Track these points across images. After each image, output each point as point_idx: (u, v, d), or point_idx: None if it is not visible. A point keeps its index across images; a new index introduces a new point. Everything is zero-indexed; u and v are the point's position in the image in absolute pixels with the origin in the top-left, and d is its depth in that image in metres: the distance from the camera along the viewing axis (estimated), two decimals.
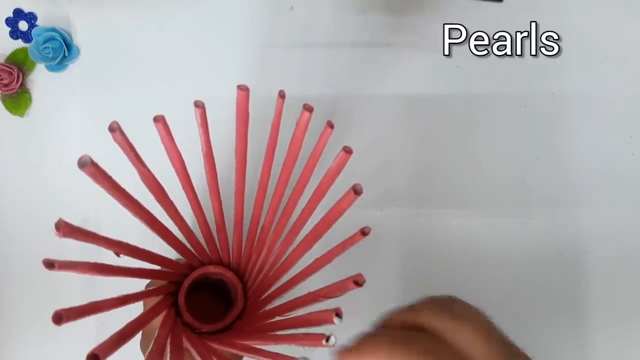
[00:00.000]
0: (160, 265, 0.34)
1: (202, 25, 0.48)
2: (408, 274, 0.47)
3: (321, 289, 0.32)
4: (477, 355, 0.24)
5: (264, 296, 0.37)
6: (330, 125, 0.31)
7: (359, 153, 0.48)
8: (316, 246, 0.34)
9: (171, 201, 0.33)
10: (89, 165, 0.26)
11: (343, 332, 0.48)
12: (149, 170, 0.30)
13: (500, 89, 0.49)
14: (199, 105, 0.31)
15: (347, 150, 0.31)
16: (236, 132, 0.33)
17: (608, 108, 0.49)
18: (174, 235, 0.34)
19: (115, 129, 0.28)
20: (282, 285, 0.35)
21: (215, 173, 0.34)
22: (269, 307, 0.36)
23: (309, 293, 0.33)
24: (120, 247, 0.30)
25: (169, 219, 0.34)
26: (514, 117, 0.49)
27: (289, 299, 0.34)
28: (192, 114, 0.48)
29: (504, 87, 0.49)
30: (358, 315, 0.47)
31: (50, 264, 0.26)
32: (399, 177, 0.48)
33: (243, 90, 0.31)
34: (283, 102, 0.32)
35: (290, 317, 0.34)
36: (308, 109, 0.31)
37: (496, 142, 0.49)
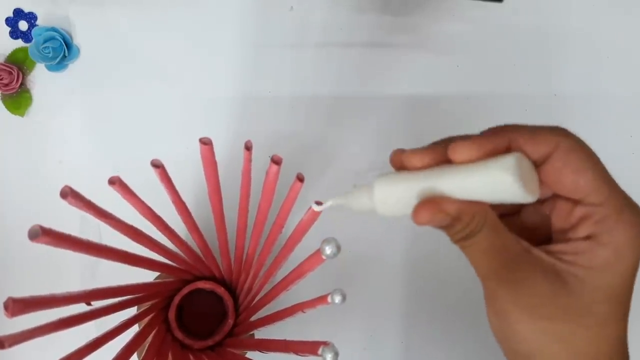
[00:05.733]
0: (145, 292, 0.34)
1: (201, 25, 0.48)
2: (407, 274, 0.47)
3: (293, 342, 0.32)
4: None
5: (253, 319, 0.37)
6: (300, 178, 0.31)
7: (358, 153, 0.48)
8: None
9: (147, 236, 0.32)
10: (40, 236, 0.24)
11: (344, 331, 0.48)
12: (116, 220, 0.30)
13: (500, 89, 0.49)
14: (158, 165, 0.30)
15: (317, 205, 0.29)
16: (207, 183, 0.33)
17: (608, 108, 0.49)
18: (161, 262, 0.34)
19: (67, 193, 0.26)
20: (272, 314, 0.35)
21: (190, 216, 0.34)
22: (256, 332, 0.36)
23: (283, 340, 0.33)
24: (89, 296, 0.28)
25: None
26: (514, 117, 0.49)
27: (264, 339, 0.35)
28: (191, 113, 0.48)
29: (504, 88, 0.49)
30: (358, 313, 0.47)
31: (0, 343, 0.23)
32: None
33: (206, 143, 0.30)
34: (250, 154, 0.31)
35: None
36: (276, 161, 0.30)
37: None
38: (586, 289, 0.23)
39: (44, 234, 0.24)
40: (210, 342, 0.36)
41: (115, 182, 0.29)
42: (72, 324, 0.27)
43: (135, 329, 0.33)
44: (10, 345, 0.23)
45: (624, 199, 0.24)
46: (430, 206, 0.23)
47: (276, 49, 0.48)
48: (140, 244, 0.32)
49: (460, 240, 0.24)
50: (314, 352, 0.29)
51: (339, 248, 0.28)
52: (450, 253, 0.47)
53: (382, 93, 0.48)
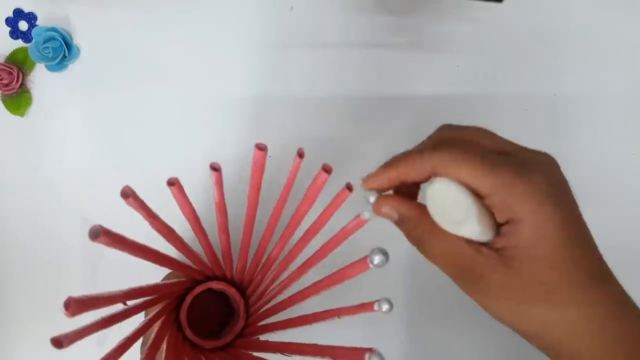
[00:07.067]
0: (165, 292, 0.34)
1: (201, 26, 0.48)
2: (408, 274, 0.47)
3: (329, 347, 0.32)
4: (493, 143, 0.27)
5: (265, 322, 0.37)
6: (349, 188, 0.31)
7: (359, 153, 0.48)
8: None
9: (180, 238, 0.33)
10: (101, 236, 0.25)
11: (344, 331, 0.48)
12: (160, 221, 0.31)
13: (500, 89, 0.49)
14: (216, 169, 0.31)
15: (363, 219, 0.30)
16: (250, 183, 0.33)
17: (608, 108, 0.49)
18: (181, 263, 0.34)
19: (128, 194, 0.27)
20: (284, 320, 0.35)
21: (226, 220, 0.35)
22: (269, 336, 0.36)
23: (316, 345, 0.33)
24: (127, 296, 0.29)
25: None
26: (514, 116, 0.49)
27: (291, 342, 0.35)
28: (191, 113, 0.48)
29: (504, 88, 0.49)
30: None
31: (58, 342, 0.24)
32: None
33: (261, 149, 0.31)
34: (301, 162, 0.32)
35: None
36: (327, 170, 0.31)
37: None
38: (527, 266, 0.25)
39: (104, 234, 0.25)
40: (220, 343, 0.36)
41: (174, 183, 0.30)
42: (115, 322, 0.28)
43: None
44: (68, 345, 0.24)
45: (510, 173, 0.24)
46: (384, 200, 0.28)
47: (275, 49, 0.48)
48: (172, 244, 0.33)
49: (414, 242, 0.28)
50: (361, 357, 0.29)
51: (387, 258, 0.29)
52: None
53: (382, 93, 0.48)
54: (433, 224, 0.27)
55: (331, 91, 0.48)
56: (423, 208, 0.27)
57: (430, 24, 0.48)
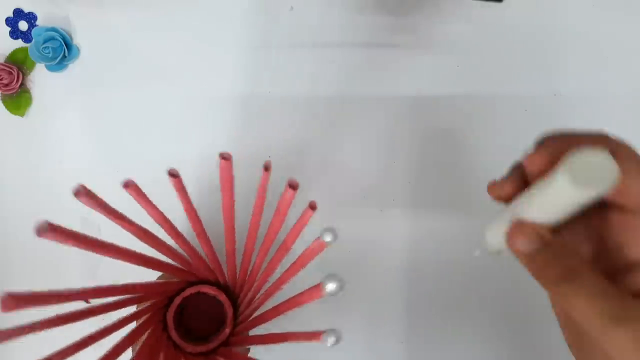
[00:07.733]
0: (147, 293, 0.34)
1: (201, 26, 0.48)
2: (408, 274, 0.47)
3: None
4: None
5: (250, 333, 0.36)
6: (312, 207, 0.30)
7: (358, 153, 0.48)
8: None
9: (157, 238, 0.32)
10: (47, 232, 0.23)
11: (344, 332, 0.48)
12: (129, 221, 0.29)
13: (500, 89, 0.49)
14: (175, 175, 0.29)
15: (327, 236, 0.29)
16: (222, 195, 0.32)
17: (608, 108, 0.49)
18: (166, 263, 0.34)
19: (80, 192, 0.26)
20: (270, 334, 0.35)
21: (201, 225, 0.34)
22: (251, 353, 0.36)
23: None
24: (89, 294, 0.27)
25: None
26: (514, 117, 0.49)
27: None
28: (191, 113, 0.48)
29: (504, 88, 0.49)
30: (358, 313, 0.47)
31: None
32: (399, 177, 0.48)
33: (226, 159, 0.29)
34: (268, 175, 0.31)
35: None
36: (293, 185, 0.29)
37: (496, 142, 0.49)
38: None
39: (50, 229, 0.23)
40: (203, 349, 0.36)
41: (129, 185, 0.29)
42: (69, 321, 0.26)
43: (132, 326, 0.33)
44: (3, 340, 0.23)
45: None
46: (518, 227, 0.22)
47: (276, 50, 0.48)
48: (150, 246, 0.32)
49: (560, 279, 0.21)
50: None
51: (341, 285, 0.28)
52: (450, 254, 0.47)
53: (382, 93, 0.48)
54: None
55: (331, 91, 0.48)
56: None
57: (430, 24, 0.48)
